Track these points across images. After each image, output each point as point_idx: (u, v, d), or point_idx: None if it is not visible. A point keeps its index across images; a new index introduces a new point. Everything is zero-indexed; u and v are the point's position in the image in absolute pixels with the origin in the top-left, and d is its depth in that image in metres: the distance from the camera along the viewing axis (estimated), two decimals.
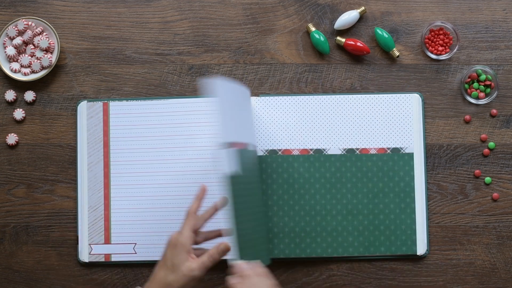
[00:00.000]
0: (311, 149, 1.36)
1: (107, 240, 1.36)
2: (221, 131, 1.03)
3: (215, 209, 1.12)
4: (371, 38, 1.42)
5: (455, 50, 1.39)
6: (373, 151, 1.36)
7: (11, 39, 1.39)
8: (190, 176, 1.35)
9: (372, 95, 1.37)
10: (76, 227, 1.38)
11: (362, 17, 1.42)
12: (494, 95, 1.38)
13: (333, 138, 1.37)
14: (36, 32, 1.39)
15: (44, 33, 1.40)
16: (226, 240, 1.05)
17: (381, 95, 1.37)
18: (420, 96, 1.39)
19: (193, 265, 1.03)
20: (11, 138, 1.39)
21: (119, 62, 1.41)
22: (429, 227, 1.38)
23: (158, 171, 1.36)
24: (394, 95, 1.37)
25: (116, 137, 1.37)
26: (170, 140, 1.36)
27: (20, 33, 1.39)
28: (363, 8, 1.40)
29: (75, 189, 1.39)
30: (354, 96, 1.37)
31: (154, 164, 1.36)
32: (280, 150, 1.36)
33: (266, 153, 1.36)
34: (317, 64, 1.41)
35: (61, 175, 1.39)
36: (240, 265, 1.00)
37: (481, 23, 1.41)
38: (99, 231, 1.36)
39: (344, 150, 1.36)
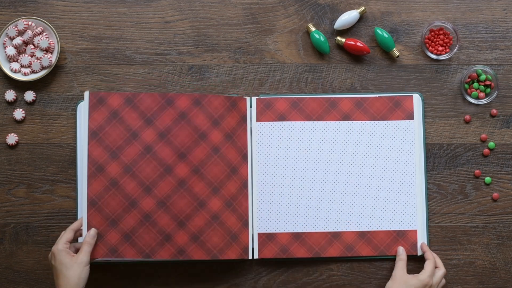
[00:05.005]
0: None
1: None
2: None
3: (79, 225, 1.34)
4: (371, 38, 1.42)
5: (455, 50, 1.39)
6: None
7: (11, 39, 1.39)
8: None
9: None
10: None
11: (362, 17, 1.42)
12: (494, 95, 1.38)
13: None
14: (36, 32, 1.39)
15: (44, 33, 1.39)
16: (92, 229, 1.31)
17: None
18: (420, 96, 1.39)
19: (79, 256, 1.27)
20: (11, 138, 1.39)
21: (119, 62, 1.41)
22: (429, 227, 1.38)
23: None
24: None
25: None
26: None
27: (20, 33, 1.39)
28: (363, 8, 1.40)
29: (75, 189, 1.39)
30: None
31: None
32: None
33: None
34: (317, 64, 1.41)
35: (61, 175, 1.39)
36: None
37: (481, 23, 1.41)
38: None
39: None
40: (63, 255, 1.26)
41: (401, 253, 1.34)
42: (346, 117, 1.37)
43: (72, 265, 1.25)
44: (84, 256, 1.27)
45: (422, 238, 1.36)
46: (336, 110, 1.37)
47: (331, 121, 1.37)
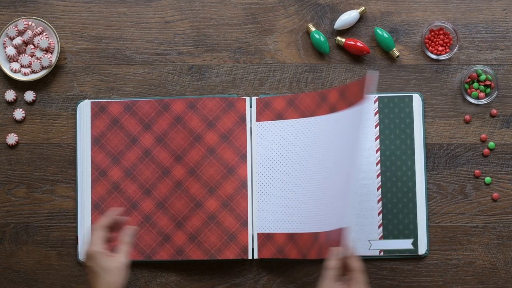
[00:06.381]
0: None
1: None
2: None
3: (117, 223, 1.24)
4: (371, 38, 1.42)
5: (455, 50, 1.39)
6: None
7: (11, 39, 1.39)
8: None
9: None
10: (76, 227, 1.38)
11: (362, 17, 1.42)
12: (494, 95, 1.38)
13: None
14: (36, 32, 1.39)
15: (44, 33, 1.40)
16: (130, 227, 1.22)
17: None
18: (420, 96, 1.39)
19: (119, 258, 1.18)
20: (11, 138, 1.39)
21: (119, 62, 1.41)
22: (429, 227, 1.38)
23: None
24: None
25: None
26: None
27: (20, 33, 1.39)
28: (363, 8, 1.40)
29: (75, 189, 1.39)
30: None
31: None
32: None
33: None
34: (317, 64, 1.41)
35: (61, 175, 1.39)
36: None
37: (481, 23, 1.41)
38: None
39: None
40: (104, 258, 1.17)
41: (332, 263, 1.17)
42: (333, 109, 1.31)
43: (113, 269, 1.17)
44: (124, 257, 1.19)
45: (422, 238, 1.36)
46: (326, 103, 1.33)
47: (321, 116, 1.33)
